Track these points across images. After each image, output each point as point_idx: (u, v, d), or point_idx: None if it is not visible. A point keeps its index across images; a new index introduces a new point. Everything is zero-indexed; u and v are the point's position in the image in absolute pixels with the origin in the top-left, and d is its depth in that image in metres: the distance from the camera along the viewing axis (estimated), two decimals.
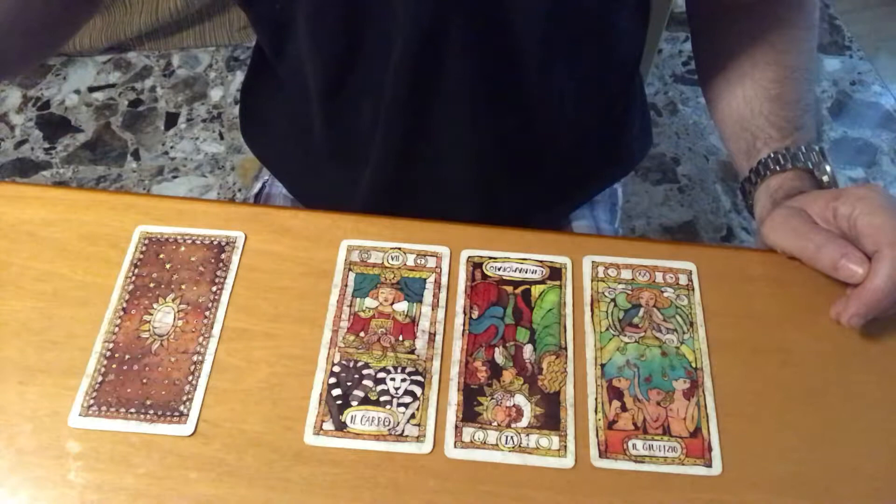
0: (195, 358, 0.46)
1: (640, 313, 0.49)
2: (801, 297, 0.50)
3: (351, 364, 0.46)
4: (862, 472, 0.43)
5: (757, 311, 0.49)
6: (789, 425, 0.45)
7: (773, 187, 0.56)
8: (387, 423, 0.44)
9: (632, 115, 0.74)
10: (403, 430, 0.44)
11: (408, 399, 0.45)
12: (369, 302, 0.49)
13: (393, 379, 0.46)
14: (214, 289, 0.49)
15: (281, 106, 0.70)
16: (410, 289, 0.49)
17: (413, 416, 0.44)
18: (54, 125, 1.56)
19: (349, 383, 0.45)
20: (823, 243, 0.48)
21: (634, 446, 0.44)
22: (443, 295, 0.49)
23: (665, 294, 0.50)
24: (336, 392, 0.45)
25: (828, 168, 0.55)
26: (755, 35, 0.62)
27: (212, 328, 0.47)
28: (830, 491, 0.43)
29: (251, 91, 0.75)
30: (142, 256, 0.50)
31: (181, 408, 0.44)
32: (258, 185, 0.80)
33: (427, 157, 0.63)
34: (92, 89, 1.62)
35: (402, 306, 0.49)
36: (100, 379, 0.45)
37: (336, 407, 0.44)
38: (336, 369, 0.46)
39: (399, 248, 0.51)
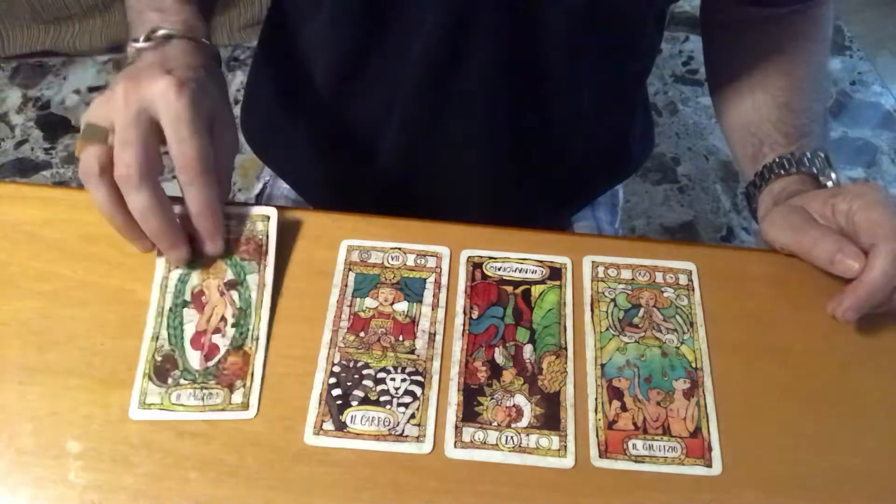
0: None
1: (640, 313, 0.49)
2: (801, 297, 0.50)
3: (351, 364, 0.46)
4: (862, 472, 0.43)
5: (757, 311, 0.49)
6: (789, 425, 0.45)
7: (776, 190, 0.56)
8: (387, 423, 0.44)
9: (635, 119, 0.74)
10: (403, 430, 0.44)
11: (408, 399, 0.45)
12: (369, 302, 0.49)
13: (393, 379, 0.46)
14: None
15: (286, 103, 0.69)
16: (410, 289, 0.49)
17: (413, 416, 0.44)
18: (54, 125, 1.56)
19: (349, 383, 0.45)
20: (820, 238, 0.48)
21: (634, 446, 0.44)
22: (443, 295, 0.49)
23: (665, 294, 0.50)
24: (336, 392, 0.45)
25: (833, 174, 0.55)
26: (768, 46, 0.62)
27: None
28: (830, 491, 0.43)
29: (255, 88, 0.75)
30: None
31: None
32: (259, 185, 0.80)
33: (438, 152, 0.62)
34: (92, 89, 1.62)
35: (402, 306, 0.49)
36: None
37: (336, 407, 0.44)
38: (336, 369, 0.46)
39: (399, 248, 0.51)
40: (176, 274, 0.48)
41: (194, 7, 0.52)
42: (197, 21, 0.51)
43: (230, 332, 0.46)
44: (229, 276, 0.48)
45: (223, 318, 0.46)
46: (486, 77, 0.56)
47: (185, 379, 0.44)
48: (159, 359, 0.45)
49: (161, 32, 0.48)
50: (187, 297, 0.47)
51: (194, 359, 0.45)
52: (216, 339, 0.46)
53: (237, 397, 0.44)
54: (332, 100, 0.62)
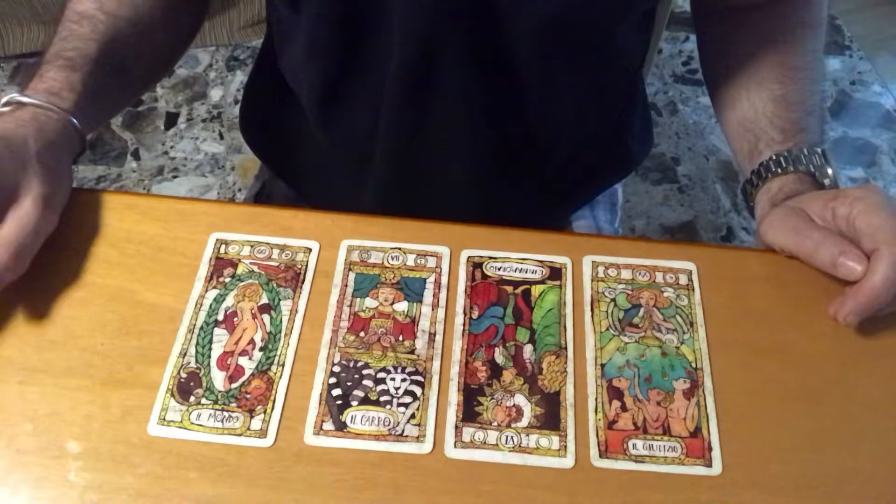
0: None
1: (640, 313, 0.49)
2: (800, 297, 0.50)
3: (351, 364, 0.46)
4: (862, 472, 0.43)
5: (757, 311, 0.49)
6: (789, 425, 0.45)
7: (773, 190, 0.56)
8: (387, 423, 0.44)
9: (633, 116, 0.74)
10: (403, 430, 0.44)
11: (408, 399, 0.45)
12: (369, 302, 0.49)
13: (393, 379, 0.46)
14: None
15: (282, 107, 0.70)
16: (410, 289, 0.49)
17: (413, 416, 0.44)
18: None
19: (349, 383, 0.45)
20: (822, 240, 0.48)
21: (634, 446, 0.44)
22: (443, 295, 0.49)
23: (665, 294, 0.50)
24: (336, 392, 0.45)
25: (829, 171, 0.54)
26: (760, 34, 0.61)
27: None
28: (830, 491, 0.43)
29: (255, 89, 0.75)
30: None
31: None
32: (258, 185, 0.80)
33: (427, 161, 0.63)
34: None
35: (402, 306, 0.49)
36: None
37: (336, 407, 0.44)
38: (336, 369, 0.46)
39: (399, 248, 0.51)
40: (213, 293, 0.48)
41: (75, 78, 0.51)
42: (66, 91, 0.50)
43: (257, 355, 0.46)
44: (264, 300, 0.48)
45: (252, 342, 0.46)
46: (460, 94, 0.57)
47: (206, 399, 0.44)
48: (184, 376, 0.45)
49: (21, 99, 0.49)
50: (220, 316, 0.47)
51: (218, 379, 0.45)
52: (242, 361, 0.46)
53: (256, 423, 0.43)
54: (320, 113, 0.63)
